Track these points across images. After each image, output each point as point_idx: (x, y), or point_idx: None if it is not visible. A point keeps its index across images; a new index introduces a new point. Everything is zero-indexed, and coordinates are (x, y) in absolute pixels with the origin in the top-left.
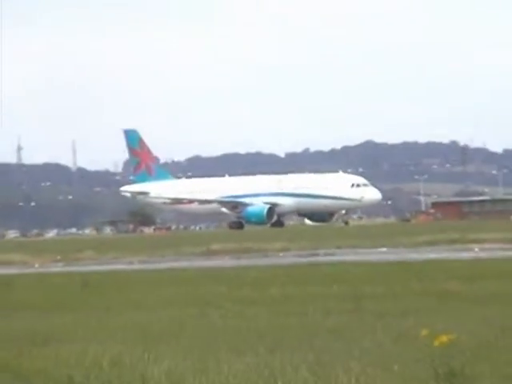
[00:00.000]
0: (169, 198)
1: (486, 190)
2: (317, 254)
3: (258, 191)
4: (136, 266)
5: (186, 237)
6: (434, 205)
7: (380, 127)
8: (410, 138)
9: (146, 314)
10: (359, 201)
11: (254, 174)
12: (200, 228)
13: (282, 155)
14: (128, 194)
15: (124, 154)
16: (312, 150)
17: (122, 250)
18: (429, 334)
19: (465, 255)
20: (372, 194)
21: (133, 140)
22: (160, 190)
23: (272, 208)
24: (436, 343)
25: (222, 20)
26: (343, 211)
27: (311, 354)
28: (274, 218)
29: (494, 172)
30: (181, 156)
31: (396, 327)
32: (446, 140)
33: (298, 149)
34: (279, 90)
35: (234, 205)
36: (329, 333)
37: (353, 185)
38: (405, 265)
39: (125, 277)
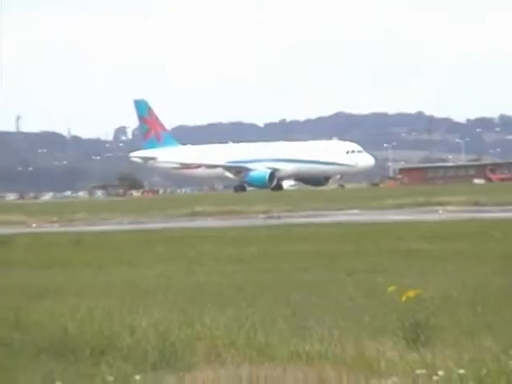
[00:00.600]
0: (176, 163)
1: (450, 156)
2: (292, 216)
3: (260, 157)
4: (126, 227)
5: (173, 200)
6: (401, 171)
7: (352, 100)
8: (379, 110)
9: (136, 270)
10: (354, 166)
11: (236, 141)
12: (185, 191)
13: (261, 125)
14: (138, 159)
15: (115, 123)
16: (288, 120)
17: (113, 211)
18: (396, 289)
19: (430, 217)
20: (366, 159)
21: (142, 109)
22: (168, 155)
23: (273, 173)
24: (403, 298)
25: None
26: (338, 176)
27: (287, 308)
28: (274, 182)
29: (458, 140)
30: (167, 125)
31: (366, 283)
32: (413, 111)
33: (276, 119)
34: (261, 65)
35: (238, 170)
36: (303, 288)
37: (348, 151)
38: (374, 226)
39: (115, 236)
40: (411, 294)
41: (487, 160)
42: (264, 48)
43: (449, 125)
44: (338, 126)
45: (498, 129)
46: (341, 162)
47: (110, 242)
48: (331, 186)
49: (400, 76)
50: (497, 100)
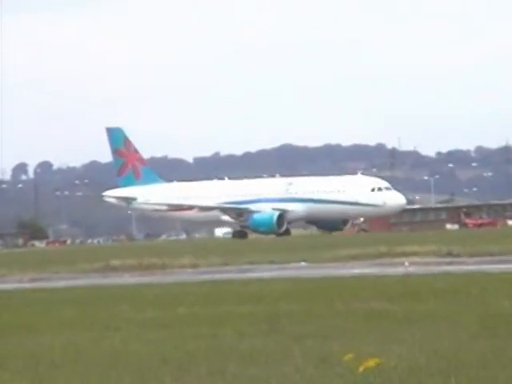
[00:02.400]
0: (164, 204)
1: (417, 197)
2: (229, 271)
3: (264, 196)
4: (26, 285)
5: (83, 251)
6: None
7: (299, 130)
8: (332, 141)
9: (39, 338)
10: (381, 206)
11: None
12: (98, 242)
13: (190, 160)
14: (112, 200)
15: (13, 159)
16: (223, 153)
17: (11, 266)
18: (354, 358)
19: (393, 271)
20: (395, 198)
21: (117, 139)
22: (149, 194)
23: (282, 215)
24: (361, 368)
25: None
26: (361, 219)
27: (223, 382)
28: (284, 225)
29: (426, 178)
30: (77, 162)
31: (317, 351)
32: (372, 142)
33: (207, 153)
34: (187, 92)
35: (239, 212)
36: (242, 357)
37: (373, 189)
38: (327, 281)
39: (14, 297)
40: (371, 363)
41: (461, 201)
42: (198, 69)
43: (415, 159)
44: (284, 159)
45: (474, 164)
46: (365, 201)
47: (7, 304)
48: (350, 230)
49: (357, 102)
50: (473, 130)
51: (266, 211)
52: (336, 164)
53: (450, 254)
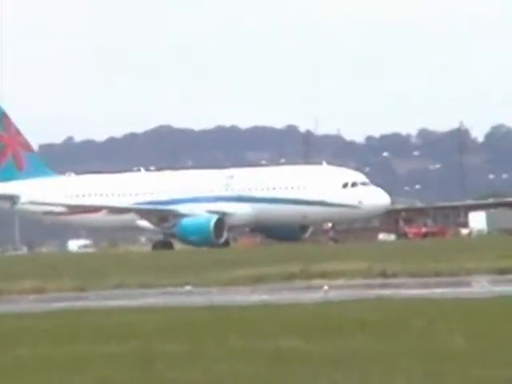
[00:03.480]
0: (59, 205)
1: None
2: (86, 298)
3: (195, 194)
4: None
5: None
6: None
7: (180, 108)
8: (225, 122)
9: None
10: (356, 208)
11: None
12: None
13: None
14: None
15: None
16: (78, 139)
17: None
18: None
19: (308, 297)
20: (375, 197)
21: None
22: (38, 192)
23: (221, 219)
24: None
25: None
26: (329, 224)
27: None
28: (223, 234)
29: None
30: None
31: None
32: (279, 125)
33: (57, 139)
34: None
35: (162, 215)
36: None
37: (346, 184)
38: (219, 311)
39: None
40: None
41: (399, 203)
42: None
43: (338, 146)
44: (159, 147)
45: (416, 152)
46: (334, 200)
47: None
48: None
49: (261, 75)
50: (414, 109)
51: (199, 215)
52: (231, 153)
53: (383, 275)
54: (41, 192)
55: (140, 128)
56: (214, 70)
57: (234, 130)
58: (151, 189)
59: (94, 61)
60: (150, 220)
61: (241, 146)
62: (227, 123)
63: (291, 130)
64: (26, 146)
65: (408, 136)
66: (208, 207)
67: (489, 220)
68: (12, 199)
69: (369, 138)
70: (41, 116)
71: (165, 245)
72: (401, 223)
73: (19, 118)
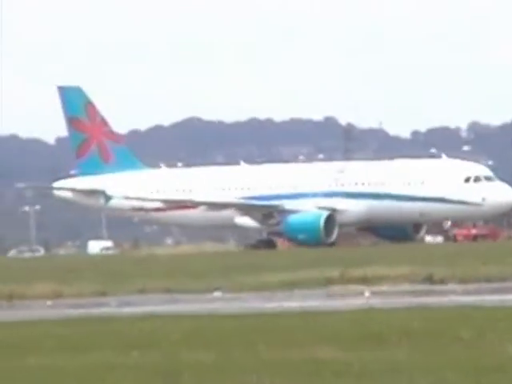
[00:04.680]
0: (160, 200)
1: None
2: (107, 304)
3: (303, 189)
4: None
5: None
6: None
7: (208, 99)
8: (259, 115)
9: None
10: (479, 205)
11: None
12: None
13: (52, 142)
14: (67, 194)
15: None
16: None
17: None
18: None
19: (348, 303)
20: (500, 193)
21: (75, 103)
22: (126, 186)
23: (332, 216)
24: None
25: None
26: (448, 222)
27: None
28: (334, 232)
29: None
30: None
31: None
32: (317, 116)
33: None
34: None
35: (267, 211)
36: None
37: (468, 178)
38: (250, 319)
39: None
40: None
41: None
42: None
43: (381, 140)
44: (186, 139)
45: (466, 147)
46: (455, 196)
47: None
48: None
49: (295, 61)
50: (463, 103)
51: (308, 211)
52: (265, 147)
53: (429, 280)
54: (129, 186)
55: (166, 121)
56: (246, 59)
57: (268, 122)
58: (253, 183)
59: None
60: (253, 217)
61: (276, 140)
62: (261, 115)
63: (330, 122)
64: (114, 137)
65: (457, 130)
66: (317, 203)
67: None
68: (98, 194)
69: (415, 133)
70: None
71: (268, 244)
72: (448, 224)
73: None
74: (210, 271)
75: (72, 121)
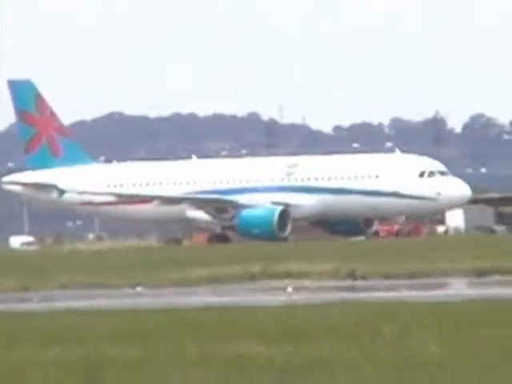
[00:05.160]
0: (113, 194)
1: None
2: (28, 299)
3: (256, 183)
4: None
5: None
6: None
7: (130, 95)
8: (182, 110)
9: None
10: (434, 200)
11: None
12: None
13: None
14: (15, 187)
15: None
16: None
17: None
18: None
19: (270, 299)
20: (455, 188)
21: (25, 97)
22: (77, 179)
23: (286, 211)
24: None
25: None
26: (402, 217)
27: None
28: (288, 227)
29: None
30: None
31: None
32: (240, 112)
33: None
34: None
35: (221, 206)
36: None
37: (422, 173)
38: (174, 314)
39: None
40: None
41: None
42: None
43: (303, 135)
44: (110, 134)
45: (389, 143)
46: (410, 191)
47: None
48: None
49: (220, 59)
50: (386, 99)
51: (262, 206)
52: (189, 142)
53: (352, 276)
54: (81, 180)
55: (88, 115)
56: (170, 54)
57: (191, 117)
58: (205, 178)
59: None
60: (206, 211)
61: (199, 135)
62: (185, 111)
63: (253, 118)
64: (63, 131)
65: (380, 126)
66: (270, 198)
67: (466, 217)
68: (49, 188)
69: (337, 128)
70: None
71: (221, 238)
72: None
73: None
74: (132, 266)
75: (22, 113)
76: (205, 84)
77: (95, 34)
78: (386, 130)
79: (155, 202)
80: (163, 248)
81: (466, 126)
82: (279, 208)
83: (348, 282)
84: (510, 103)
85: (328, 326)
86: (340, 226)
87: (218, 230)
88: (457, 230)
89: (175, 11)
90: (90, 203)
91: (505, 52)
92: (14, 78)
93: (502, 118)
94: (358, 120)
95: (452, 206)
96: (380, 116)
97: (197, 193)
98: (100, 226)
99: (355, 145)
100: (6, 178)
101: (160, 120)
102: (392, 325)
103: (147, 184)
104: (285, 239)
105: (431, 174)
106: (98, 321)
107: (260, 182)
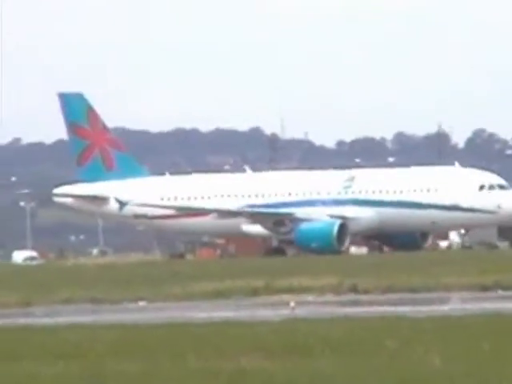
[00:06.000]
0: (171, 207)
1: None
2: (32, 314)
3: (311, 196)
4: None
5: None
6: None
7: (131, 108)
8: (185, 124)
9: None
10: (493, 213)
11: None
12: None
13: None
14: (68, 200)
15: None
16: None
17: None
18: None
19: (272, 314)
20: None
21: (77, 110)
22: (130, 193)
23: (345, 225)
24: None
25: None
26: (462, 230)
27: None
28: (346, 240)
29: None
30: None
31: None
32: (243, 127)
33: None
34: None
35: (278, 219)
36: None
37: (482, 186)
38: (177, 328)
39: None
40: None
41: None
42: None
43: (306, 150)
44: None
45: (391, 158)
46: (470, 204)
47: None
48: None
49: (225, 70)
50: (389, 114)
51: (320, 219)
52: (191, 157)
53: (354, 290)
54: (133, 193)
55: None
56: (172, 68)
57: (194, 132)
58: (261, 191)
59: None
60: (264, 224)
61: (201, 150)
62: (187, 125)
63: (255, 133)
64: (116, 144)
65: (383, 140)
66: (327, 211)
67: (470, 232)
68: (106, 200)
69: (340, 143)
70: None
71: (278, 251)
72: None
73: None
74: (135, 281)
75: (73, 126)
76: (207, 99)
77: (93, 47)
78: (389, 145)
79: (213, 215)
80: (166, 263)
81: (469, 141)
82: (338, 221)
83: (350, 297)
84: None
85: (330, 340)
86: (396, 239)
87: (275, 244)
88: (460, 245)
89: (173, 22)
90: (144, 216)
91: (505, 66)
92: (65, 91)
93: (504, 133)
94: (360, 135)
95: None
96: (383, 131)
97: (251, 206)
98: (105, 240)
99: (357, 160)
100: (56, 190)
101: (162, 135)
102: (394, 339)
103: (202, 197)
104: (342, 253)
105: (491, 187)
106: (101, 335)
107: (317, 195)
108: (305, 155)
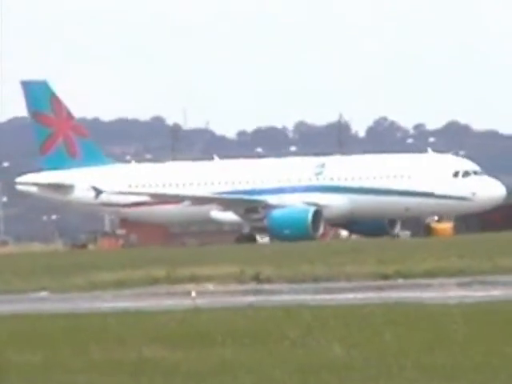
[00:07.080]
0: (144, 194)
1: None
2: None
3: (282, 183)
4: None
5: None
6: (125, 222)
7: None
8: (87, 114)
9: None
10: (469, 200)
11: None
12: None
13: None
14: (31, 188)
15: None
16: None
17: None
18: None
19: (173, 303)
20: (489, 187)
21: (40, 97)
22: (97, 180)
23: (319, 212)
24: None
25: None
26: (435, 217)
27: None
28: (321, 227)
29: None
30: None
31: None
32: (144, 117)
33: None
34: None
35: (251, 206)
36: None
37: (457, 172)
38: (78, 319)
39: None
40: None
41: None
42: None
43: (207, 140)
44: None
45: (293, 148)
46: (444, 191)
47: None
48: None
49: (126, 63)
50: (290, 103)
51: (294, 206)
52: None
53: (256, 279)
54: (100, 181)
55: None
56: (72, 60)
57: (96, 122)
58: (231, 178)
59: None
60: (235, 211)
61: (103, 139)
62: (89, 115)
63: (157, 122)
64: (80, 131)
65: (284, 130)
66: (300, 198)
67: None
68: (65, 188)
69: (241, 133)
70: None
71: (249, 238)
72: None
73: None
74: (37, 271)
75: (36, 114)
76: (108, 88)
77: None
78: (290, 135)
79: (186, 203)
80: (68, 253)
81: (369, 130)
82: (313, 208)
83: (252, 286)
84: (413, 107)
85: (232, 329)
86: (365, 226)
87: (247, 231)
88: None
89: (76, 10)
90: (112, 204)
91: (406, 55)
92: (28, 79)
93: (405, 122)
94: (262, 124)
95: (487, 206)
96: (284, 120)
97: (222, 193)
98: (5, 230)
99: (259, 149)
100: (20, 179)
101: None
102: (296, 328)
103: (170, 185)
104: (316, 239)
105: (466, 173)
106: (2, 326)
107: (288, 182)
108: (206, 145)
